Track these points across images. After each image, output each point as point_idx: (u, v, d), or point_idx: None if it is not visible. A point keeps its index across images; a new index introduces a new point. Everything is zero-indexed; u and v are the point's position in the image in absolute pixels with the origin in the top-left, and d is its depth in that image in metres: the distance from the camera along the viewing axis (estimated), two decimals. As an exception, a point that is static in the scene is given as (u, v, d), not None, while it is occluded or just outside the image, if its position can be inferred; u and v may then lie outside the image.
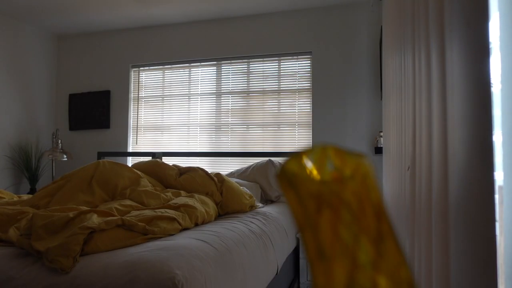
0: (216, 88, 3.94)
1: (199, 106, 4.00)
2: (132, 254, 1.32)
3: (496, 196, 0.61)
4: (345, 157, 0.36)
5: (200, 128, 3.97)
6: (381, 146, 3.06)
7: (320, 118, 3.55)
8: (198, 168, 2.51)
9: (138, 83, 4.19)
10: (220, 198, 2.32)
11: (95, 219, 1.47)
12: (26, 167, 3.88)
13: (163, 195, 2.11)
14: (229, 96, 3.90)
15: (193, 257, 1.34)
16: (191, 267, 1.26)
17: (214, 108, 3.94)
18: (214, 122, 3.92)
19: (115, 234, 1.44)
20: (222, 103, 3.92)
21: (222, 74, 3.93)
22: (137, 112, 4.18)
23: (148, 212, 1.73)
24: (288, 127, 3.70)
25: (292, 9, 3.66)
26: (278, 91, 3.75)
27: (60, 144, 3.93)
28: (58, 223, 1.44)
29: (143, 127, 4.16)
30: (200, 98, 4.00)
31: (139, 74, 4.20)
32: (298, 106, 3.68)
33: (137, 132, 4.16)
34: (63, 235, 1.36)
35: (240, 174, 3.26)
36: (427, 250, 0.87)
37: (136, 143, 4.15)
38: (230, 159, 3.81)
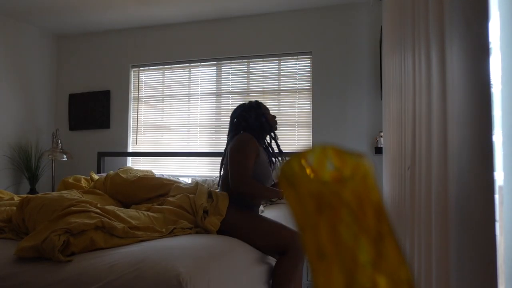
0: (216, 88, 3.94)
1: (199, 106, 4.00)
2: (137, 252, 1.34)
3: (496, 196, 0.61)
4: (345, 157, 0.36)
5: (200, 128, 3.97)
6: (381, 146, 3.06)
7: (320, 118, 3.54)
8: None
9: (138, 83, 4.19)
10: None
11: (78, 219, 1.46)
12: (26, 167, 3.87)
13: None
14: (229, 96, 3.89)
15: (197, 256, 1.36)
16: (196, 266, 1.27)
17: (214, 108, 3.94)
18: (214, 122, 3.92)
19: (93, 236, 1.42)
20: (222, 103, 3.92)
21: (222, 74, 3.93)
22: (137, 112, 4.18)
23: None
24: (288, 127, 3.69)
25: (292, 9, 3.65)
26: (278, 91, 3.75)
27: (60, 144, 3.92)
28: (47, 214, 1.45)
29: (143, 127, 4.16)
30: (200, 98, 3.99)
31: (139, 74, 4.20)
32: (298, 106, 3.68)
33: (137, 132, 4.16)
34: (45, 230, 1.37)
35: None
36: (427, 250, 0.87)
37: (136, 143, 4.14)
38: (230, 159, 3.80)
